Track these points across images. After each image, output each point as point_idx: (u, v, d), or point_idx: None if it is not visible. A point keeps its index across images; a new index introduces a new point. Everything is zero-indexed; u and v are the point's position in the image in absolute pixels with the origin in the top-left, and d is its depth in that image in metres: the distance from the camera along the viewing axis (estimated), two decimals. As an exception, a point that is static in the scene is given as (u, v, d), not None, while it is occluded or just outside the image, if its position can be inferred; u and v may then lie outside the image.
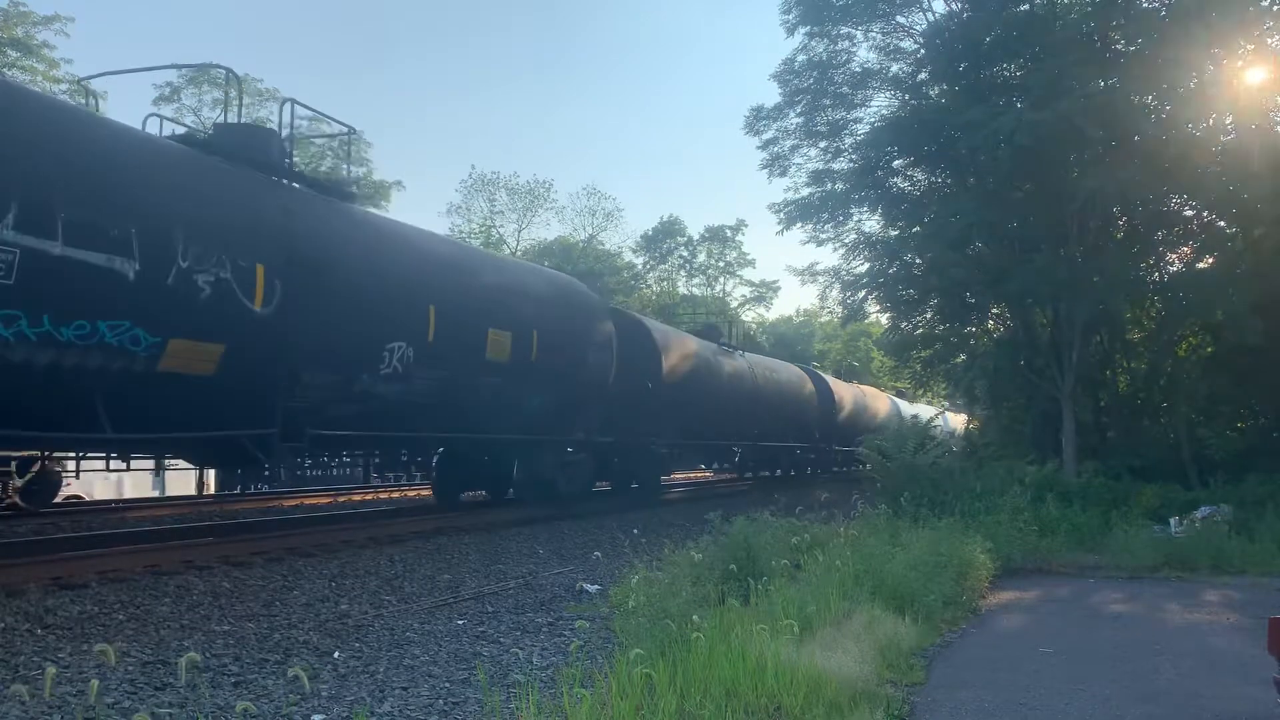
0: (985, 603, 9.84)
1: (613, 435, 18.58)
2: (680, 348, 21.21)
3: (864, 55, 21.84)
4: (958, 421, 37.91)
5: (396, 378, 12.15)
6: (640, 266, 61.42)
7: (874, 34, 21.34)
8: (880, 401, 41.12)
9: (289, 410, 10.65)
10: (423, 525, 13.54)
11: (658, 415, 19.66)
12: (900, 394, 50.04)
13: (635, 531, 12.86)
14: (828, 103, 21.72)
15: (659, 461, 21.41)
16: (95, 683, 3.76)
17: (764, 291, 66.56)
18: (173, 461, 19.26)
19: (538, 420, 15.73)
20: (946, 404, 47.25)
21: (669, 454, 22.13)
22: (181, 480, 20.68)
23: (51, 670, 3.66)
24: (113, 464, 13.13)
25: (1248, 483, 15.17)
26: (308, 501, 18.25)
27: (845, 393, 35.28)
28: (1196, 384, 19.12)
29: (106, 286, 8.48)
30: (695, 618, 6.02)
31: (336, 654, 6.76)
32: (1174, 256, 20.44)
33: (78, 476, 16.36)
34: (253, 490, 20.99)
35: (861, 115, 21.93)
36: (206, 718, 5.18)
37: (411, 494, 20.88)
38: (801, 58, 21.58)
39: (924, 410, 43.47)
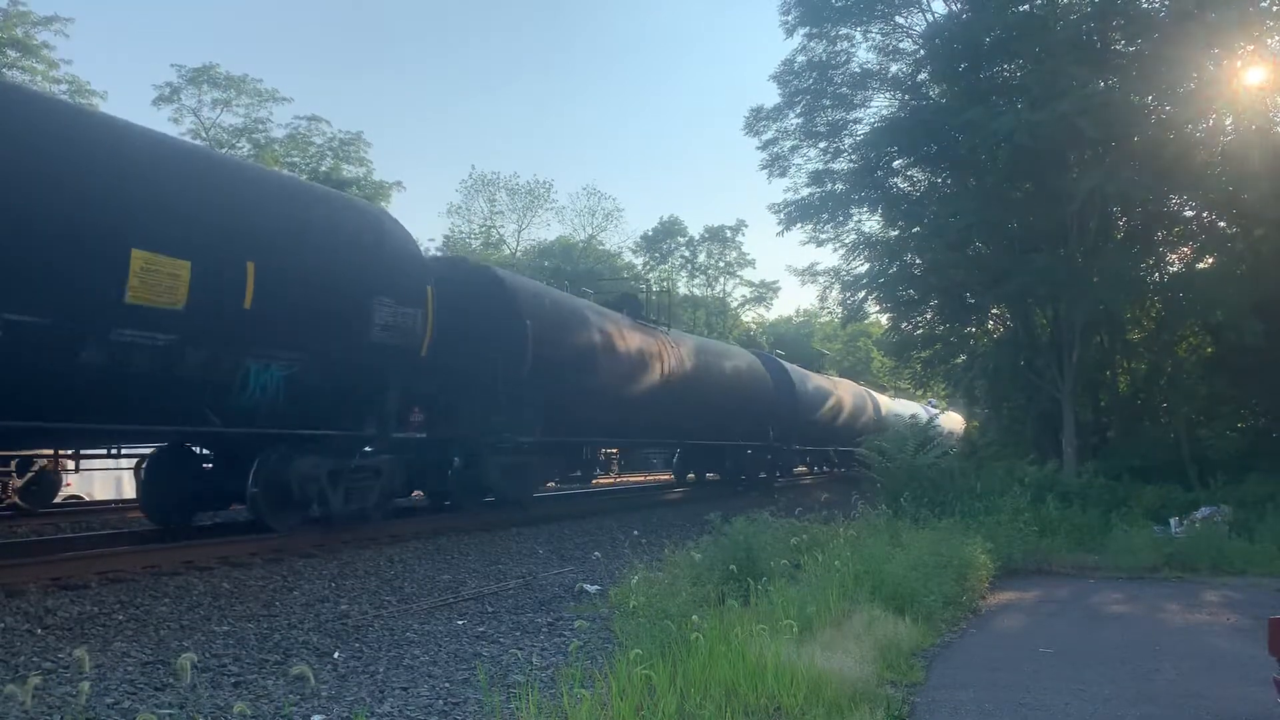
0: (985, 603, 9.84)
1: (436, 431, 13.61)
2: (564, 316, 16.42)
3: (863, 56, 21.95)
4: (948, 420, 36.52)
5: None
6: (640, 267, 61.45)
7: (873, 35, 21.41)
8: (857, 396, 37.05)
9: None
10: (422, 526, 13.53)
11: (526, 406, 14.82)
12: (882, 389, 47.33)
13: (635, 532, 12.86)
14: (827, 103, 21.77)
15: (527, 468, 15.80)
16: (85, 685, 3.76)
17: (764, 292, 66.65)
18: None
19: (277, 407, 10.53)
20: (934, 401, 46.66)
21: (543, 457, 16.55)
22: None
23: (36, 679, 3.66)
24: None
25: (1248, 483, 15.21)
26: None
27: (812, 385, 30.98)
28: (1196, 384, 19.16)
29: None
30: (695, 618, 6.02)
31: (336, 654, 6.76)
32: (1174, 256, 20.52)
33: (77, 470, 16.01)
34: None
35: (861, 116, 22.02)
36: (206, 718, 5.18)
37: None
38: (801, 58, 21.66)
39: (909, 407, 42.18)
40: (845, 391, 35.11)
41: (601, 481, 24.36)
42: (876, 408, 37.75)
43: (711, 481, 26.85)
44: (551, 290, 18.55)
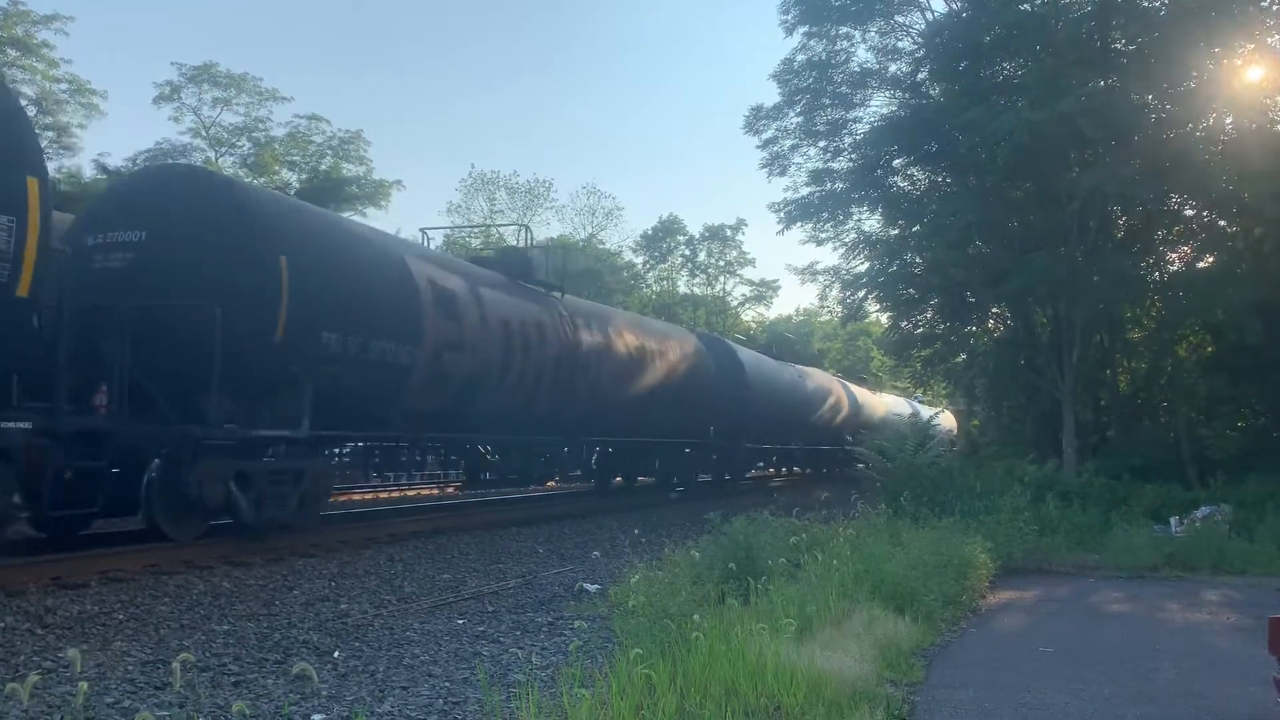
0: (985, 602, 9.84)
1: (59, 418, 8.62)
2: (351, 254, 11.71)
3: (863, 55, 21.91)
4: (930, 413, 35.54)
5: None
6: (640, 266, 61.43)
7: (872, 34, 21.41)
8: (832, 389, 32.52)
9: None
10: (422, 525, 13.53)
11: (281, 387, 10.63)
12: (862, 381, 43.59)
13: (635, 531, 12.85)
14: (827, 102, 21.77)
15: (290, 477, 10.99)
16: (84, 685, 3.77)
17: (764, 291, 66.57)
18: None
19: None
20: (920, 397, 45.48)
21: (323, 461, 12.03)
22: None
23: (34, 677, 3.66)
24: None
25: (1248, 483, 15.21)
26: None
27: (771, 374, 26.52)
28: (1196, 384, 19.16)
29: None
30: (695, 617, 6.02)
31: (336, 653, 6.76)
32: (1174, 256, 20.52)
33: None
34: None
35: (861, 115, 22.03)
36: (206, 718, 5.18)
37: (411, 493, 20.87)
38: (801, 57, 21.66)
39: (895, 403, 39.23)
40: (817, 383, 31.17)
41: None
42: (855, 403, 34.17)
43: (641, 488, 22.48)
44: (327, 214, 13.39)
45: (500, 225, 43.54)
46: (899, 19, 20.96)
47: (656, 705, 4.77)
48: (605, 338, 17.91)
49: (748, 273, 65.74)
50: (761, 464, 31.87)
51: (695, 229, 63.68)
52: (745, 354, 25.46)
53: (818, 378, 32.56)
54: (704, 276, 63.94)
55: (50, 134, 32.38)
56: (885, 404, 39.69)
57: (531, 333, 15.13)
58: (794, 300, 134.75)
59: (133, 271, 9.79)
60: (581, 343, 16.78)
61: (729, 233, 63.45)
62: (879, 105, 21.96)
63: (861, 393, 37.21)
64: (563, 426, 16.77)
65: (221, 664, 6.32)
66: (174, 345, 9.63)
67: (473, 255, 16.94)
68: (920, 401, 43.71)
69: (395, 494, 20.88)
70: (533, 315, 15.39)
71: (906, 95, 21.16)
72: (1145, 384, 21.02)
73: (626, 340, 18.78)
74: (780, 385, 26.99)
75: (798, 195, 22.33)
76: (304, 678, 5.94)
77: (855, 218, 22.70)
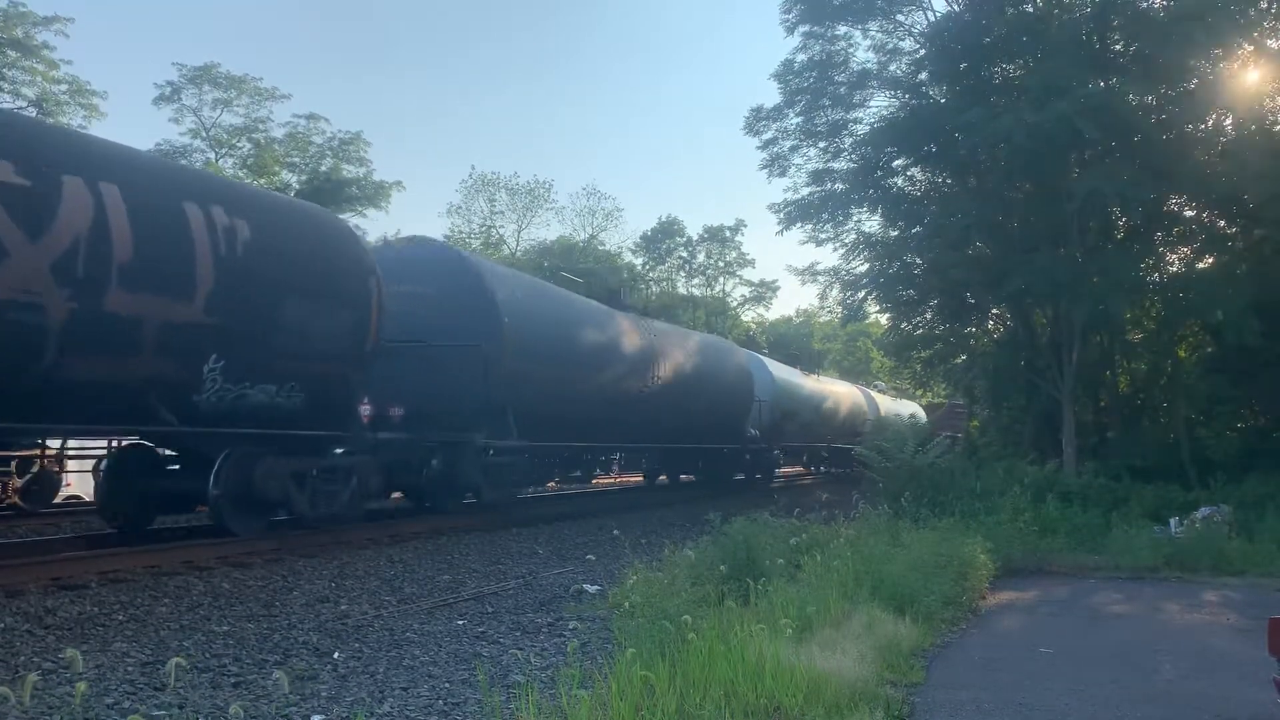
0: (985, 603, 9.84)
1: None
2: None
3: (863, 56, 21.92)
4: (904, 407, 31.47)
5: None
6: (640, 267, 61.46)
7: (873, 33, 21.40)
8: (711, 360, 21.72)
9: None
10: (422, 526, 13.50)
11: None
12: (794, 361, 32.36)
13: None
14: (827, 103, 21.74)
15: None
16: (81, 685, 3.78)
17: (763, 291, 66.62)
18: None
19: None
20: (882, 384, 43.38)
21: None
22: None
23: (33, 678, 3.67)
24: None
25: (1247, 483, 15.20)
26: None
27: (566, 318, 16.25)
28: (1196, 384, 19.15)
29: None
30: (687, 618, 6.01)
31: (336, 654, 6.75)
32: (1174, 256, 20.48)
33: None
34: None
35: (861, 115, 22.00)
36: (205, 718, 5.18)
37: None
38: (801, 57, 21.65)
39: (831, 387, 32.35)
40: (691, 354, 20.63)
41: None
42: (774, 387, 24.86)
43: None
44: None
45: None
46: (900, 18, 20.97)
47: (656, 706, 4.76)
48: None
49: (747, 273, 65.89)
50: (583, 470, 20.29)
51: (695, 230, 63.82)
52: (509, 282, 14.86)
53: (701, 346, 21.54)
54: (703, 278, 64.01)
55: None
56: (826, 391, 30.87)
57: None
58: (794, 301, 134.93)
59: None
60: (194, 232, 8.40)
61: (728, 234, 63.57)
62: (879, 106, 21.98)
63: (782, 370, 27.18)
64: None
65: (221, 665, 6.32)
66: None
67: None
68: (881, 390, 40.65)
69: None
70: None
71: (907, 96, 21.14)
72: (1145, 384, 21.01)
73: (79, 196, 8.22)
74: (597, 345, 16.48)
75: (798, 196, 22.32)
76: (302, 679, 5.96)
77: (855, 218, 22.67)
